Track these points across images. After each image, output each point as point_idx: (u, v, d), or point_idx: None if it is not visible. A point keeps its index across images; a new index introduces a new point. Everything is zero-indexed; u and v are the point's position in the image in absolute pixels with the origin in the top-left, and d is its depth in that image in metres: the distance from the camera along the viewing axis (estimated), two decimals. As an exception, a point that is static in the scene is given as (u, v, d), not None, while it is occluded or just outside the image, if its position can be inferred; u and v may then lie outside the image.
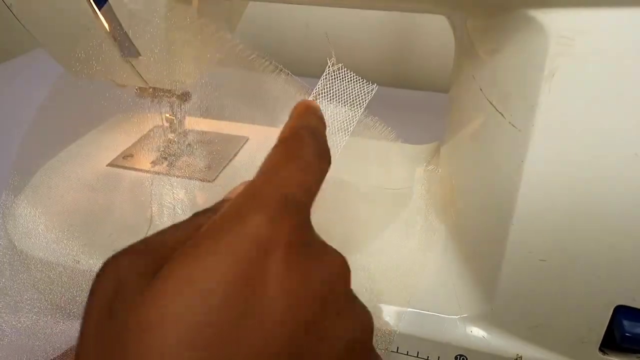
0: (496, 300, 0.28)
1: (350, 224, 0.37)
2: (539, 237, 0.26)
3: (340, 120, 0.28)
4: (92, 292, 0.15)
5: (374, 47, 0.79)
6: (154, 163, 0.42)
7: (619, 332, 0.26)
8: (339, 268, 0.17)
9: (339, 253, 0.18)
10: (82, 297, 0.30)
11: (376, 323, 0.30)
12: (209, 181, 0.41)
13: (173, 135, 0.43)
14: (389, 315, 0.30)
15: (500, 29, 0.28)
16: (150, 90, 0.39)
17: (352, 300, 0.18)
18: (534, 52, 0.25)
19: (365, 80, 0.29)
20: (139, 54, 0.34)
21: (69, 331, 0.29)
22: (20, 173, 0.33)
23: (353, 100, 0.28)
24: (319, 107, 0.24)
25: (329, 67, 0.28)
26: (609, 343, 0.27)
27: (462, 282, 0.32)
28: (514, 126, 0.26)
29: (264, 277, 0.14)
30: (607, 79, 0.23)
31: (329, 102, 0.28)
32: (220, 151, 0.45)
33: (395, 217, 0.37)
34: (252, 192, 0.16)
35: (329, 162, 0.20)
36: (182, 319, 0.13)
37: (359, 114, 0.28)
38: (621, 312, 0.26)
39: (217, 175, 0.42)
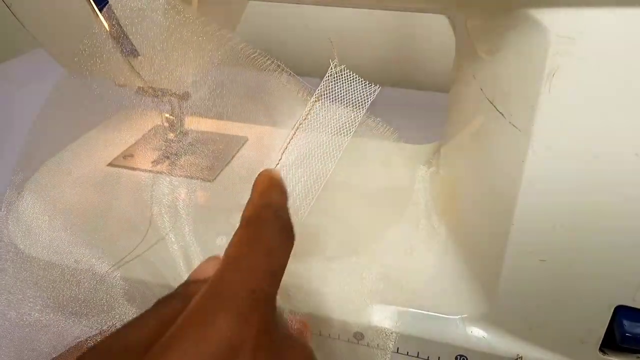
0: (496, 300, 0.28)
1: (350, 224, 0.37)
2: (539, 237, 0.26)
3: (342, 121, 0.28)
4: None
5: (374, 47, 0.79)
6: (154, 163, 0.42)
7: (619, 332, 0.26)
8: None
9: (305, 346, 0.19)
10: (84, 294, 0.30)
11: (376, 323, 0.30)
12: (209, 181, 0.41)
13: (173, 134, 0.43)
14: (389, 315, 0.30)
15: (500, 29, 0.28)
16: (150, 89, 0.39)
17: None
18: (534, 52, 0.25)
19: (367, 82, 0.29)
20: (139, 54, 0.34)
21: (71, 329, 0.29)
22: (22, 171, 0.33)
23: (356, 102, 0.28)
24: (280, 178, 0.24)
25: (332, 68, 0.28)
26: (609, 343, 0.27)
27: (462, 282, 0.32)
28: (514, 126, 0.26)
29: None
30: (607, 79, 0.23)
31: (331, 103, 0.28)
32: (220, 151, 0.45)
33: (395, 217, 0.37)
34: (219, 289, 0.16)
35: (292, 240, 0.20)
36: None
37: (361, 115, 0.28)
38: (621, 312, 0.26)
39: (217, 175, 0.42)
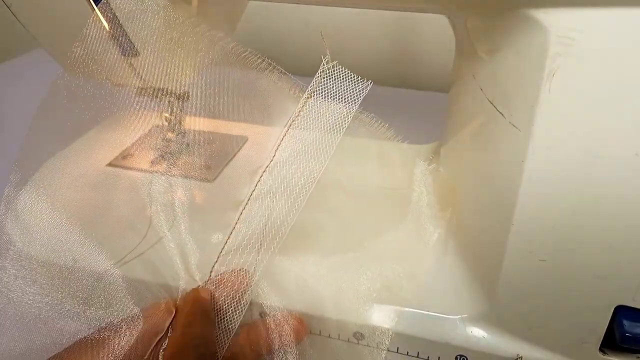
0: (496, 300, 0.28)
1: (349, 223, 0.37)
2: (539, 237, 0.26)
3: (335, 117, 0.28)
4: None
5: (374, 47, 0.79)
6: (153, 162, 0.42)
7: (619, 332, 0.26)
8: None
9: None
10: (83, 292, 0.30)
11: (375, 322, 0.30)
12: (209, 181, 0.41)
13: (172, 134, 0.43)
14: (388, 315, 0.30)
15: (500, 29, 0.28)
16: (150, 89, 0.39)
17: None
18: (534, 52, 0.25)
19: (359, 78, 0.29)
20: (138, 54, 0.34)
21: (69, 327, 0.29)
22: (21, 170, 0.33)
23: (348, 98, 0.28)
24: (207, 302, 0.25)
25: (324, 64, 0.28)
26: (609, 343, 0.27)
27: (462, 282, 0.32)
28: (514, 126, 0.26)
29: None
30: (607, 79, 0.23)
31: (324, 99, 0.29)
32: (220, 151, 0.45)
33: (395, 217, 0.37)
34: None
35: None
36: None
37: (354, 110, 0.28)
38: (621, 312, 0.26)
39: (217, 175, 0.42)
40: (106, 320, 0.29)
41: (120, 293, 0.30)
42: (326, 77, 0.29)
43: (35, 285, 0.30)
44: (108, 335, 0.27)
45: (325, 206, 0.35)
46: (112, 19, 0.31)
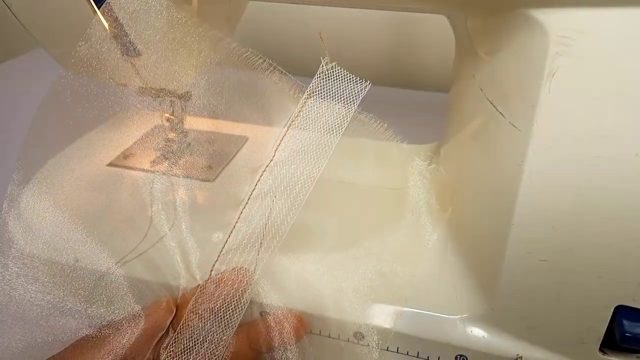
0: (496, 300, 0.28)
1: (348, 222, 0.37)
2: (539, 237, 0.26)
3: (335, 117, 0.29)
4: None
5: (374, 47, 0.79)
6: (154, 162, 0.43)
7: (619, 332, 0.26)
8: None
9: None
10: (85, 291, 0.30)
11: (375, 322, 0.30)
12: (209, 181, 0.41)
13: (173, 134, 0.43)
14: (387, 315, 0.30)
15: (500, 29, 0.28)
16: (151, 89, 0.39)
17: None
18: (534, 52, 0.25)
19: (359, 78, 0.29)
20: (140, 54, 0.34)
21: (71, 325, 0.29)
22: (23, 169, 0.34)
23: (347, 98, 0.29)
24: None
25: (323, 65, 0.28)
26: (609, 343, 0.27)
27: (462, 282, 0.32)
28: (514, 126, 0.26)
29: None
30: (607, 79, 0.23)
31: (323, 100, 0.29)
32: (221, 151, 0.45)
33: (395, 216, 0.37)
34: None
35: None
36: None
37: (353, 110, 0.29)
38: (621, 312, 0.26)
39: (218, 175, 0.42)
40: (107, 318, 0.29)
41: (121, 291, 0.30)
42: (325, 78, 0.29)
43: (37, 283, 0.30)
44: (109, 334, 0.27)
45: (325, 205, 0.35)
46: (114, 20, 0.31)
